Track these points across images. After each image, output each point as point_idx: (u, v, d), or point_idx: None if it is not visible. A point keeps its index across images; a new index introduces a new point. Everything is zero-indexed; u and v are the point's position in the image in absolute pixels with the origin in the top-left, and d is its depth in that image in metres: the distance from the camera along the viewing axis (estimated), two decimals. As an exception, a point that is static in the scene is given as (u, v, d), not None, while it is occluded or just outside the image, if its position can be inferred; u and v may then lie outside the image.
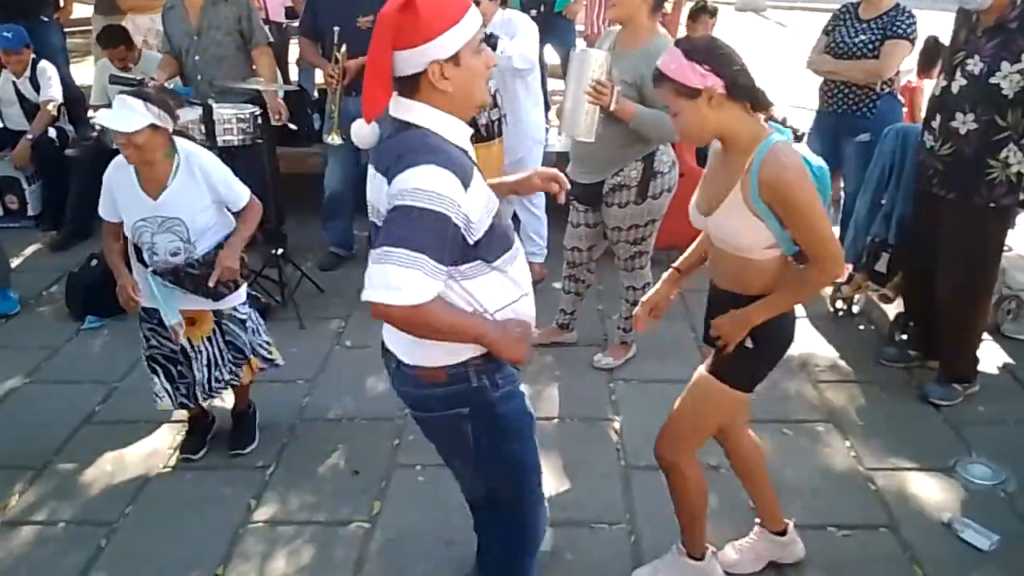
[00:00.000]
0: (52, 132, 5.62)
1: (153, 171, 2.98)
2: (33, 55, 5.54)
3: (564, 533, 2.94)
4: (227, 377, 3.27)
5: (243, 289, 3.25)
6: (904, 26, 4.21)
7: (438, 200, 1.75)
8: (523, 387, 2.16)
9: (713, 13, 5.72)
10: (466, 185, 1.80)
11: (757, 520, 2.82)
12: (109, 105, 2.97)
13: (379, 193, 1.85)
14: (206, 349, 3.21)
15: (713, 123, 2.17)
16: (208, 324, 3.20)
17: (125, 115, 2.84)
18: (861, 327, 4.39)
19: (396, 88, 1.87)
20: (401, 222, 1.75)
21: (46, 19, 6.32)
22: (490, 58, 1.93)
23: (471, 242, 1.85)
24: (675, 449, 2.53)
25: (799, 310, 4.51)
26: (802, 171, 2.15)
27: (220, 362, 3.24)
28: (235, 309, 3.23)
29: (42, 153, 5.56)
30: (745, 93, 2.15)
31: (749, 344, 2.33)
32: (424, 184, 1.75)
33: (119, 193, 3.05)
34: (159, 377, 3.24)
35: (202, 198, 3.05)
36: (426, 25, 1.78)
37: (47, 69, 5.51)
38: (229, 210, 3.17)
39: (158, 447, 3.48)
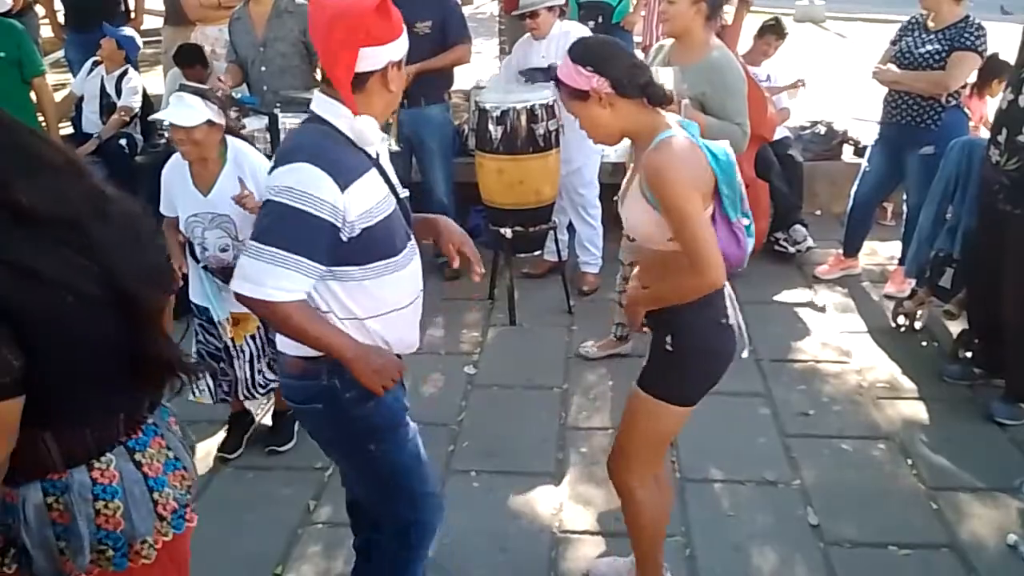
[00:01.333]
0: (123, 141, 5.79)
1: (206, 167, 3.10)
2: (129, 64, 5.72)
3: (617, 544, 2.93)
4: (269, 377, 3.34)
5: None
6: (973, 38, 4.13)
7: (306, 199, 1.84)
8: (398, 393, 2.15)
9: (781, 35, 5.61)
10: (344, 185, 1.88)
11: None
12: None
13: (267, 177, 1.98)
14: (248, 348, 3.30)
15: (610, 121, 2.20)
16: (253, 323, 3.29)
17: (184, 111, 2.96)
18: (924, 343, 4.29)
19: (325, 84, 1.97)
20: (271, 219, 1.87)
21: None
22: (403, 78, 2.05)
23: (344, 239, 1.92)
24: (622, 467, 2.47)
25: (859, 324, 4.49)
26: (680, 167, 2.12)
27: (261, 356, 3.33)
28: None
29: (112, 160, 5.72)
30: (635, 90, 2.16)
31: (668, 347, 2.29)
32: (295, 183, 1.85)
33: (175, 189, 3.19)
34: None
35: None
36: (393, 26, 1.92)
37: (134, 78, 5.70)
38: None
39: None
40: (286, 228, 1.85)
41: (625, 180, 2.37)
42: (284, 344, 2.08)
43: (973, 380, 3.87)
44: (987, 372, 3.83)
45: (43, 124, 5.54)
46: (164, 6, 6.60)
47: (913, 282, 4.32)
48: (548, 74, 4.23)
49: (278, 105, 4.40)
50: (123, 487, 1.64)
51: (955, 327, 4.23)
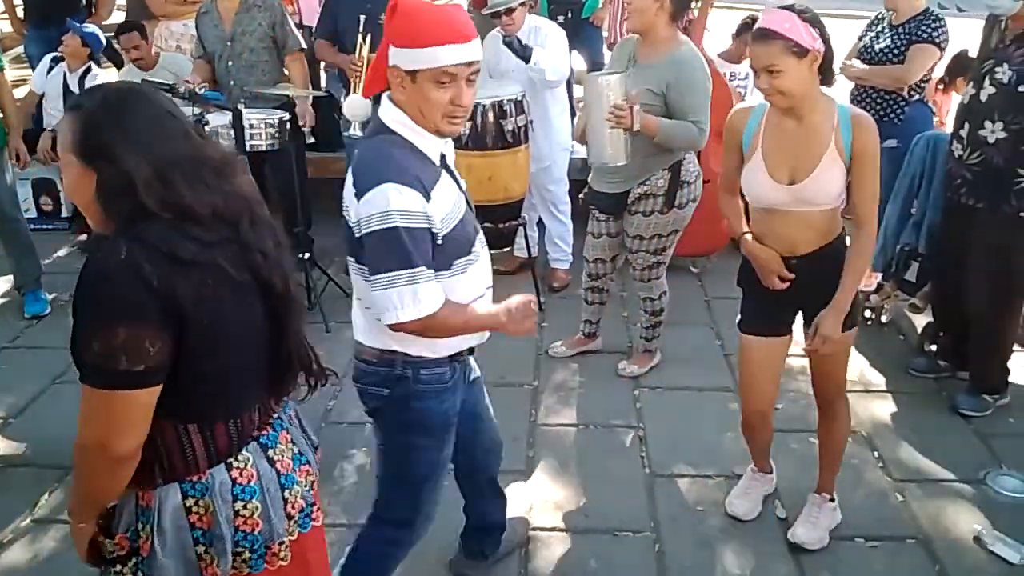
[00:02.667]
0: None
1: None
2: (92, 61, 5.62)
3: (587, 541, 2.94)
4: None
5: None
6: (930, 30, 4.15)
7: (404, 217, 1.91)
8: (458, 397, 2.28)
9: None
10: (428, 195, 1.95)
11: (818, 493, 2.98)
12: None
13: (350, 195, 1.99)
14: None
15: (807, 83, 2.39)
16: None
17: None
18: (890, 337, 4.34)
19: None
20: (383, 247, 1.93)
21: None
22: (459, 96, 1.97)
23: (439, 242, 2.00)
24: (838, 396, 2.83)
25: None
26: None
27: None
28: None
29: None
30: (827, 63, 2.42)
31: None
32: (389, 206, 1.91)
33: None
34: None
35: None
36: (397, 31, 1.95)
37: (99, 76, 5.60)
38: None
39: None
40: (399, 249, 1.92)
41: (782, 157, 2.50)
42: (361, 334, 2.18)
43: (939, 373, 3.91)
44: (952, 365, 3.87)
45: (3, 121, 5.45)
46: (126, 0, 6.49)
47: (880, 276, 4.35)
48: (524, 51, 4.21)
49: (243, 101, 4.34)
50: (260, 486, 1.63)
51: (920, 321, 4.27)
